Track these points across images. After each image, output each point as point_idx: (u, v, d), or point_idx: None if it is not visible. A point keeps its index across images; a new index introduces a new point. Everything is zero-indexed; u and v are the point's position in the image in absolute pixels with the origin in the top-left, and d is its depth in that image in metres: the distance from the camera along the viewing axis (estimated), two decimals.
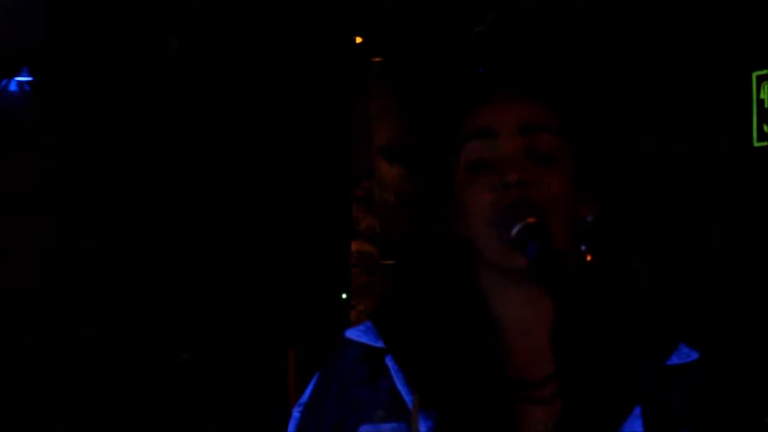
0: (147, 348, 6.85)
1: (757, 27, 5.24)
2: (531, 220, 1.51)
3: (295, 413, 1.68)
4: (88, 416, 6.65)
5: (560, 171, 1.58)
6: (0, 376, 6.61)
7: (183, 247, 6.98)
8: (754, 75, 5.34)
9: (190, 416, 6.87)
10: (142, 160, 6.92)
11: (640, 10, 5.47)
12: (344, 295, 6.79)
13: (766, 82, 5.31)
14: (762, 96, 5.32)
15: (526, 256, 1.49)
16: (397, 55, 6.49)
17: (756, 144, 5.34)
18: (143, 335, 6.86)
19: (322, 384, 1.66)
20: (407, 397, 1.57)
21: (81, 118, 6.80)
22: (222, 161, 7.01)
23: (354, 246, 6.72)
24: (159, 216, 6.97)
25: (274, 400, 6.60)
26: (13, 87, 6.66)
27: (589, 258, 1.61)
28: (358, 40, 6.64)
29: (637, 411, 1.55)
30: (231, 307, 7.01)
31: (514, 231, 1.51)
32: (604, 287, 1.62)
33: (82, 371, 6.70)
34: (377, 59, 6.62)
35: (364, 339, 1.64)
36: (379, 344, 1.62)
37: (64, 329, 6.74)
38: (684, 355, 1.61)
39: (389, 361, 1.60)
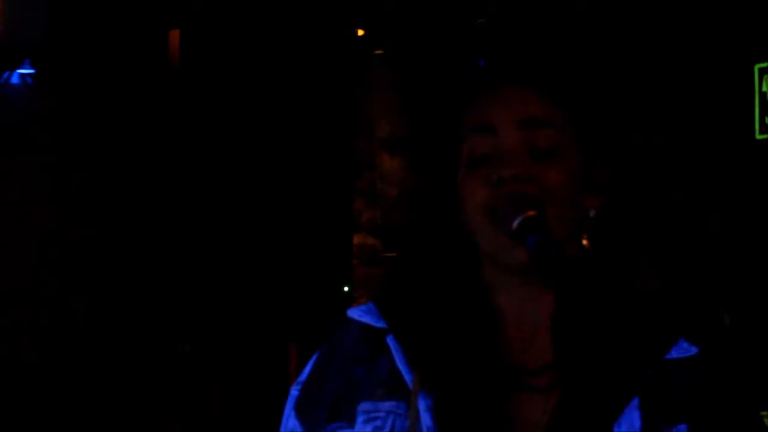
0: (149, 340, 6.86)
1: (759, 19, 5.23)
2: (531, 213, 1.53)
3: (293, 391, 1.69)
4: (89, 409, 6.66)
5: (561, 166, 1.59)
6: (4, 367, 6.62)
7: (186, 240, 6.98)
8: (757, 68, 5.33)
9: (192, 408, 6.87)
10: (144, 153, 6.93)
11: (642, 2, 5.46)
12: (346, 288, 6.80)
13: None
14: (764, 89, 5.31)
15: (526, 248, 1.51)
16: (399, 47, 6.48)
17: (758, 137, 5.33)
18: (146, 327, 6.86)
19: (322, 362, 1.68)
20: (407, 377, 1.58)
21: (83, 112, 6.81)
22: (224, 155, 7.02)
23: (356, 239, 6.72)
24: (161, 210, 6.98)
25: (276, 393, 6.60)
26: (15, 79, 6.67)
27: (586, 243, 1.62)
28: (360, 32, 6.64)
29: (635, 403, 1.56)
30: (233, 301, 7.02)
31: (515, 224, 1.53)
32: (605, 280, 1.63)
33: (83, 365, 6.71)
34: (379, 52, 6.61)
35: (365, 319, 1.66)
36: (381, 324, 1.64)
37: (66, 324, 6.75)
38: (683, 350, 1.61)
39: (390, 341, 1.62)
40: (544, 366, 1.58)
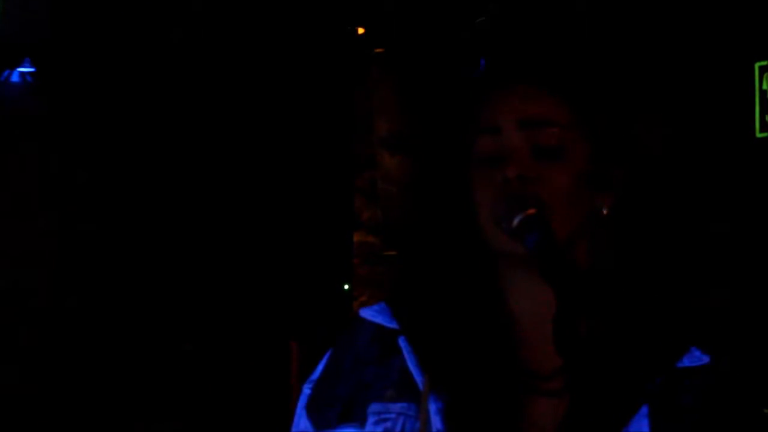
0: (150, 339, 6.86)
1: (759, 17, 5.23)
2: (531, 211, 1.53)
3: (306, 390, 1.68)
4: (88, 409, 6.66)
5: (566, 165, 1.59)
6: (6, 365, 6.62)
7: (186, 239, 6.98)
8: (757, 66, 5.33)
9: (192, 407, 6.87)
10: (145, 152, 6.93)
11: (643, 1, 5.46)
12: (346, 286, 6.80)
13: None
14: (764, 87, 5.31)
15: (526, 247, 1.51)
16: (400, 46, 6.48)
17: (758, 135, 5.33)
18: (146, 327, 6.86)
19: (334, 361, 1.68)
20: (418, 378, 1.58)
21: (84, 111, 6.81)
22: (224, 153, 7.01)
23: (356, 237, 6.71)
24: (162, 209, 6.97)
25: (277, 392, 6.60)
26: (15, 79, 6.67)
27: (602, 243, 1.61)
28: (361, 30, 6.63)
29: (644, 410, 1.56)
30: (233, 299, 7.02)
31: (515, 222, 1.53)
32: (616, 285, 1.62)
33: (82, 363, 6.71)
34: (379, 50, 6.61)
35: (378, 319, 1.65)
36: (393, 325, 1.64)
37: (66, 323, 6.75)
38: (695, 359, 1.61)
39: (402, 342, 1.61)
40: (555, 370, 1.57)
